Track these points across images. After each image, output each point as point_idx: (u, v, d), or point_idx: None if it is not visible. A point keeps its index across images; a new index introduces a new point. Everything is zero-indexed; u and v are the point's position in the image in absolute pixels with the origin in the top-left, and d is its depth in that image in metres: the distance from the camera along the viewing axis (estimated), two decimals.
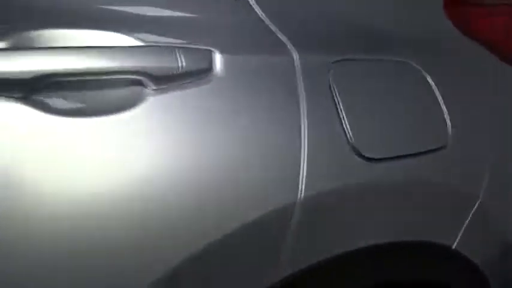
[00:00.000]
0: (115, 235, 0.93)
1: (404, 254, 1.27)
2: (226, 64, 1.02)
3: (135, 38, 0.97)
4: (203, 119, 0.99)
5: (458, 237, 1.31)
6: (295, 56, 1.10)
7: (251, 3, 1.12)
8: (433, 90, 1.26)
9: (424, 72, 1.26)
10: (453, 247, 1.32)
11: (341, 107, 1.13)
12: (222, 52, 1.03)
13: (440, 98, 1.27)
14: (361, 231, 1.17)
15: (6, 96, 0.85)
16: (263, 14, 1.12)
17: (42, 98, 0.88)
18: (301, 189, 1.07)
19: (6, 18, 0.90)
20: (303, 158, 1.07)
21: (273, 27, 1.12)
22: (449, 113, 1.27)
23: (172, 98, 0.97)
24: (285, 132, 1.06)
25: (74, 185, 0.90)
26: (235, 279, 1.06)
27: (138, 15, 1.00)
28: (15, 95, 0.86)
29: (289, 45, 1.11)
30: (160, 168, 0.95)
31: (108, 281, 0.94)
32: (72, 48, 0.90)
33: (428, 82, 1.26)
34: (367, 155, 1.14)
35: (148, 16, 1.01)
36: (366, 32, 1.24)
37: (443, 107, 1.26)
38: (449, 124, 1.26)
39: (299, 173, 1.07)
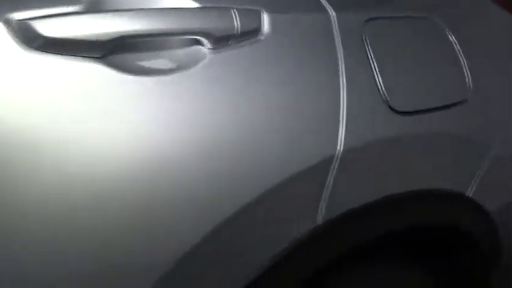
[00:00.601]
0: (183, 193, 0.98)
1: (422, 201, 1.34)
2: (272, 23, 1.06)
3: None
4: (256, 77, 1.03)
5: (473, 186, 1.38)
6: (332, 14, 1.14)
7: None
8: (454, 46, 1.32)
9: (446, 28, 1.31)
10: (468, 195, 1.39)
11: (374, 63, 1.18)
12: (268, 12, 1.06)
13: (460, 54, 1.32)
14: (391, 180, 1.23)
15: (85, 56, 0.89)
16: None
17: (116, 58, 0.92)
18: (340, 143, 1.12)
19: None
20: (342, 113, 1.12)
21: None
22: (469, 68, 1.32)
23: (229, 57, 1.00)
24: (326, 89, 1.11)
25: (142, 140, 0.94)
26: (272, 232, 1.11)
27: None
28: (94, 55, 0.89)
29: (326, 4, 1.15)
30: (217, 121, 1.00)
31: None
32: (142, 11, 0.93)
33: (450, 38, 1.31)
34: (399, 108, 1.19)
35: None
36: None
37: (464, 63, 1.32)
38: (470, 79, 1.32)
39: (338, 128, 1.12)
